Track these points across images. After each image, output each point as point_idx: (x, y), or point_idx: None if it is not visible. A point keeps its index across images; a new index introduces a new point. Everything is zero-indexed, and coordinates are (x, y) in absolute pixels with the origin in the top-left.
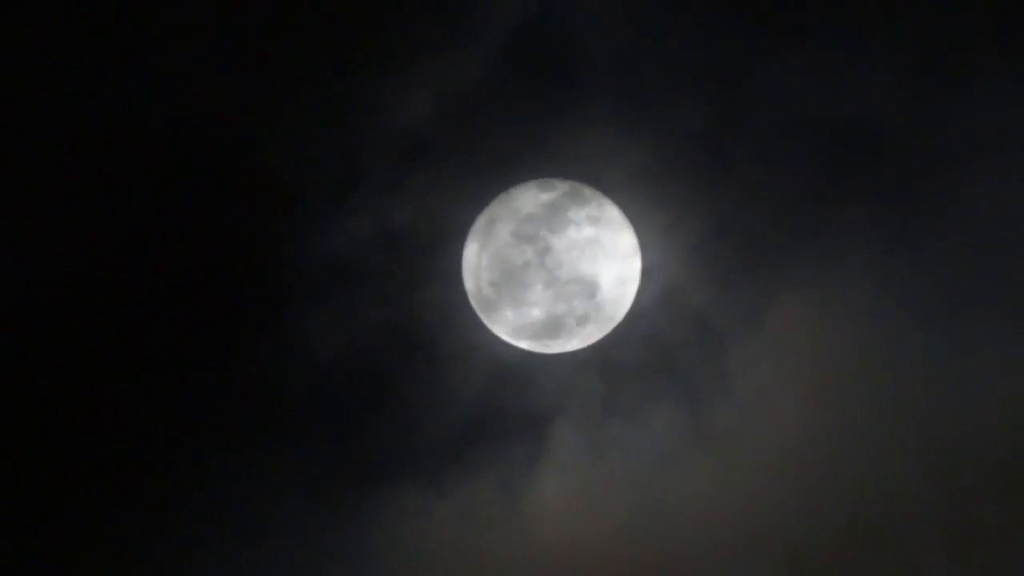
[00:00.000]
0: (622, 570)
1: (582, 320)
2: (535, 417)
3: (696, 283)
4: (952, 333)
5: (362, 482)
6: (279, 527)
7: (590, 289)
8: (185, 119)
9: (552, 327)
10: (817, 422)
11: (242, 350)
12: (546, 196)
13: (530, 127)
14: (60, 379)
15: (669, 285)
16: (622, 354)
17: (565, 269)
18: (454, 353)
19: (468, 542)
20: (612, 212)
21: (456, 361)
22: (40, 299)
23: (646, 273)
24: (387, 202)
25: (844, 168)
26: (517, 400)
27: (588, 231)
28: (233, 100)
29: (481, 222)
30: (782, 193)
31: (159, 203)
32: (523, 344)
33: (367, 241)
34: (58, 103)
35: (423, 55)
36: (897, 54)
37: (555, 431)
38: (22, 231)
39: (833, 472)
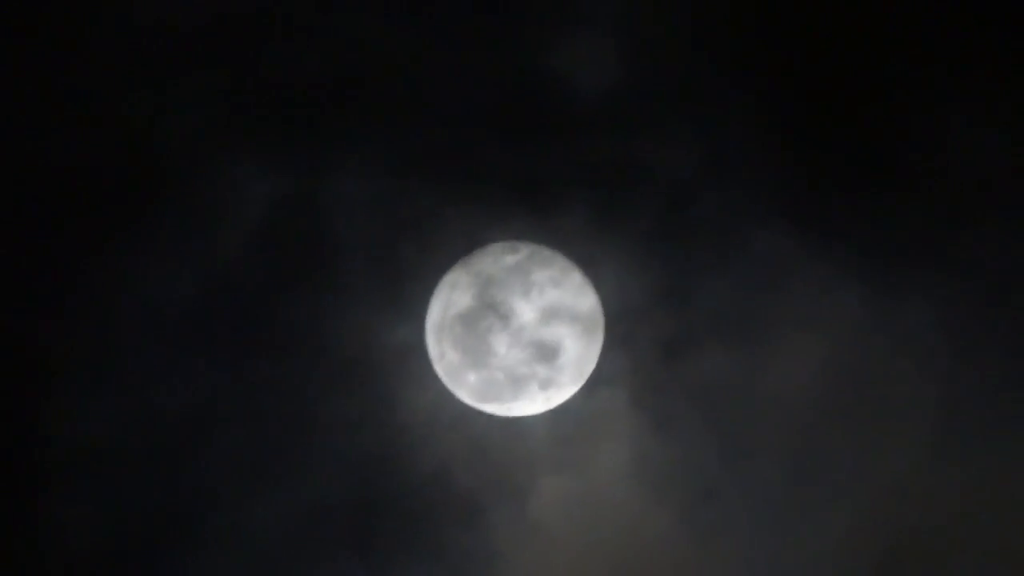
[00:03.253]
0: None
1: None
2: None
3: (462, 460)
4: (707, 520)
5: None
6: None
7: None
8: None
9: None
10: None
11: None
12: None
13: (293, 305)
14: None
15: (434, 463)
16: (384, 533)
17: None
18: (217, 535)
19: None
20: None
21: (221, 543)
22: None
23: (414, 448)
24: (150, 383)
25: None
26: None
27: None
28: None
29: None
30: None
31: None
32: None
33: (128, 423)
34: None
35: (181, 232)
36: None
37: None
38: None
39: None
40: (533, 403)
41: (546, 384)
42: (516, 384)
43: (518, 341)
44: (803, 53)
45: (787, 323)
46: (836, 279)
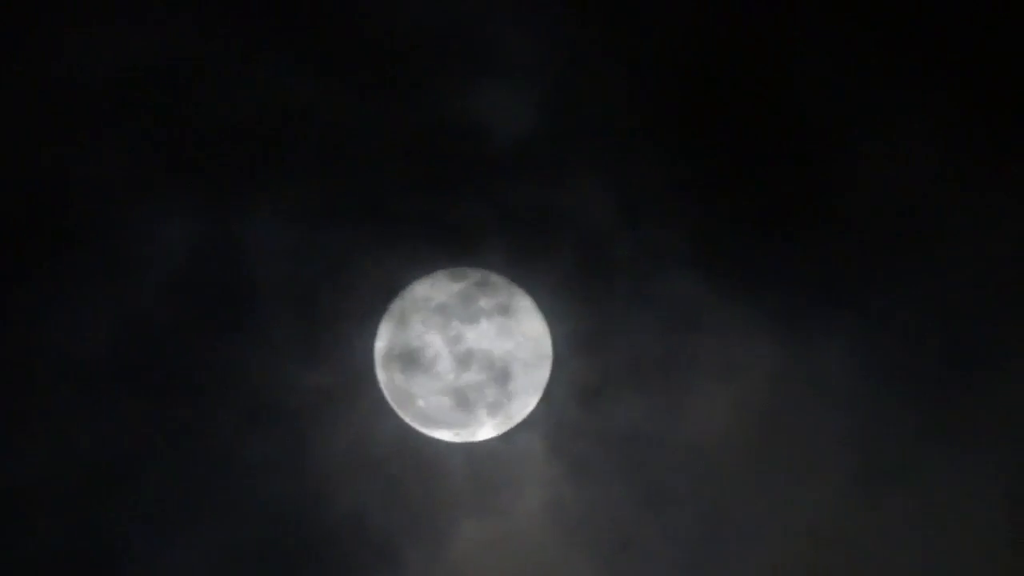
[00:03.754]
0: None
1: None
2: None
3: (380, 506)
4: (624, 566)
5: None
6: None
7: None
8: None
9: None
10: None
11: None
12: None
13: (212, 349)
14: None
15: (352, 505)
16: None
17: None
18: None
19: None
20: None
21: None
22: None
23: (331, 491)
24: (66, 429)
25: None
26: None
27: None
28: None
29: None
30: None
31: None
32: None
33: (45, 468)
34: None
35: (99, 277)
36: (557, 291)
37: None
38: None
39: None
40: (482, 427)
41: (494, 409)
42: (464, 409)
43: (465, 367)
44: (716, 99)
45: (703, 367)
46: (751, 323)
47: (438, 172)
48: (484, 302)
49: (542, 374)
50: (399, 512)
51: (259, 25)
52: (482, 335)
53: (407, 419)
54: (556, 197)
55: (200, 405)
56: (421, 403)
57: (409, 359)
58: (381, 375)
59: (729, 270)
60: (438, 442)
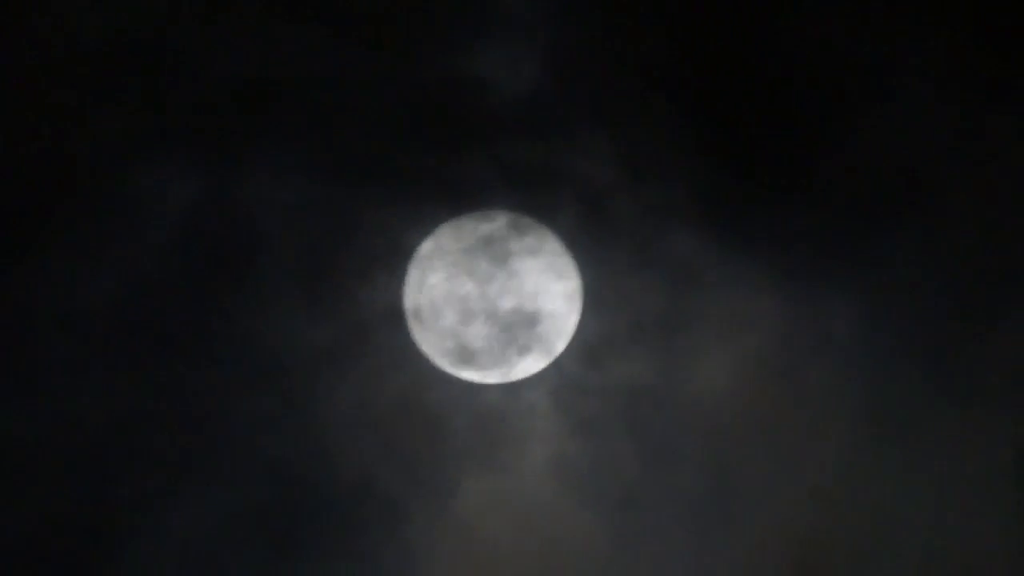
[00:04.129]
0: None
1: None
2: None
3: (385, 464)
4: (628, 523)
5: None
6: None
7: None
8: None
9: None
10: None
11: None
12: None
13: (216, 306)
14: None
15: (357, 464)
16: (307, 534)
17: None
18: (139, 540)
19: None
20: None
21: (143, 547)
22: None
23: (336, 451)
24: (69, 388)
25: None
26: None
27: None
28: None
29: None
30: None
31: None
32: None
33: (45, 428)
34: None
35: (100, 235)
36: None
37: None
38: None
39: None
40: (512, 369)
41: (524, 351)
42: (493, 351)
43: (495, 310)
44: (721, 56)
45: (708, 325)
46: (758, 280)
47: (439, 127)
48: (511, 246)
49: (572, 318)
50: (404, 468)
51: None
52: (508, 280)
53: (435, 361)
54: (559, 153)
55: (202, 365)
56: (449, 344)
57: (427, 309)
58: (412, 323)
59: (735, 226)
60: (458, 383)
